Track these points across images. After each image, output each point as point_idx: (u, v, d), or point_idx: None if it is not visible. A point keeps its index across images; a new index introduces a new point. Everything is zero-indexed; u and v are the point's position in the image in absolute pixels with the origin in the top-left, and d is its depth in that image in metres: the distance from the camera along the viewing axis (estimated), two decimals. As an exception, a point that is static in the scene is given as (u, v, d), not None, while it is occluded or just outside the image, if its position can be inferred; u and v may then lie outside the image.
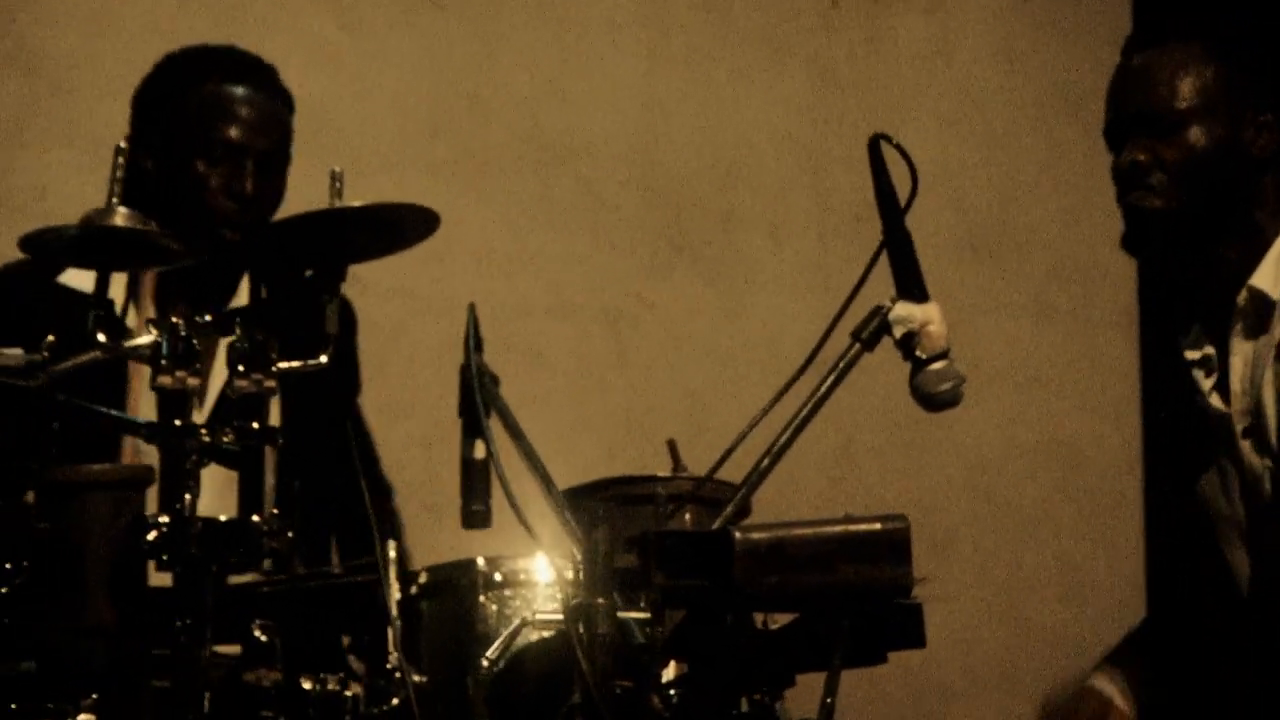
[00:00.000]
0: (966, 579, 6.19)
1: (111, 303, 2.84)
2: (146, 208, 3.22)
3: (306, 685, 2.94)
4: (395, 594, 2.97)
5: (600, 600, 2.45)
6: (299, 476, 3.51)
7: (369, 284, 5.26)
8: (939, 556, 6.25)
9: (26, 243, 3.71)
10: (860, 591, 2.49)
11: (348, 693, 2.98)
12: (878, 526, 2.51)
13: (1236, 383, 3.49)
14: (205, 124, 3.83)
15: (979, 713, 5.93)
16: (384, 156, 5.90)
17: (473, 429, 3.01)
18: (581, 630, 2.44)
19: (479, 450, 3.04)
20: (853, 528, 2.50)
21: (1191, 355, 3.55)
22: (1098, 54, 6.44)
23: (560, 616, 2.49)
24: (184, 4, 5.88)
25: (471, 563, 3.01)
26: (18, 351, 2.63)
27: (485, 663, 2.72)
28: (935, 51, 6.54)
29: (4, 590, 2.59)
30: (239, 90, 3.89)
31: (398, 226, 3.14)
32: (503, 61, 6.16)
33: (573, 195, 6.18)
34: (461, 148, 6.06)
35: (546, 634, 2.68)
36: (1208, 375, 3.54)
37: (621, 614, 2.50)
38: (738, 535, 2.45)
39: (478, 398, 3.00)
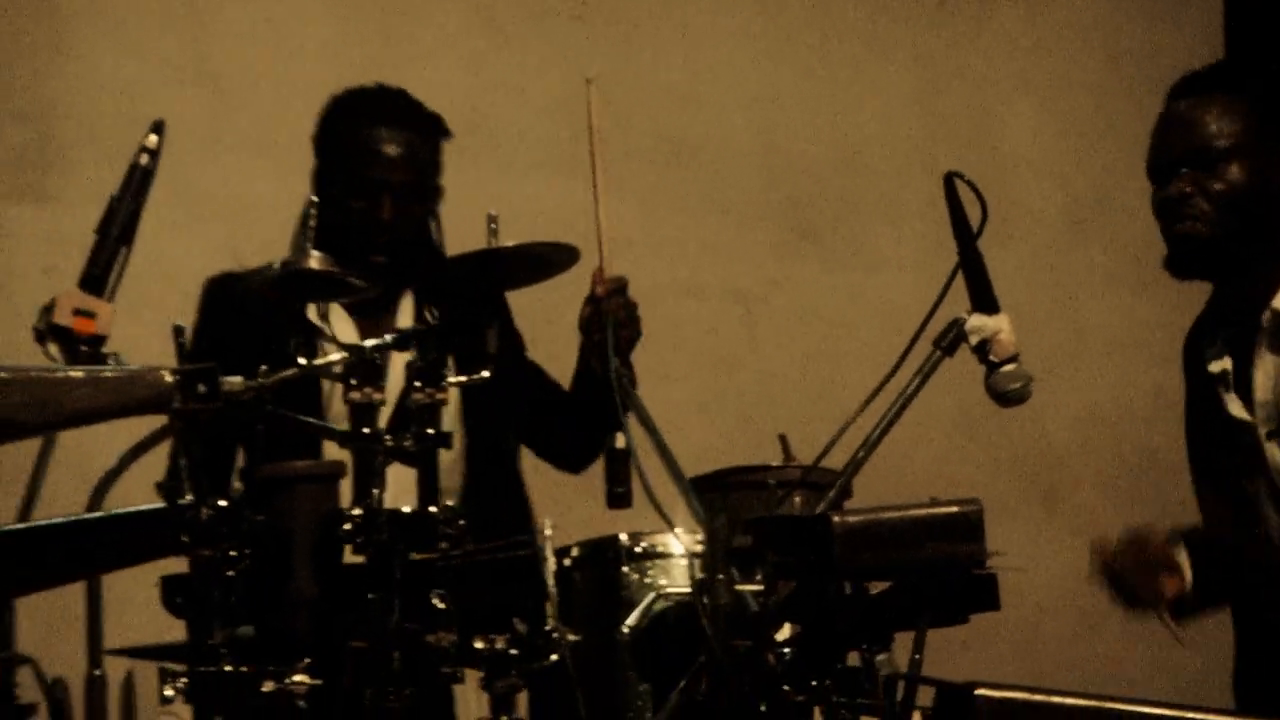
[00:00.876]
0: (1078, 528, 6.51)
1: (311, 327, 3.31)
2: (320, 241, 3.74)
3: (478, 645, 3.27)
4: (552, 566, 3.35)
5: (720, 576, 2.88)
6: (473, 466, 3.95)
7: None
8: (1051, 510, 6.58)
9: (216, 286, 4.23)
10: (940, 564, 2.91)
11: (513, 651, 3.32)
12: (955, 509, 2.91)
13: (1260, 392, 3.76)
14: (352, 165, 4.21)
15: (1092, 663, 6.17)
16: (532, 157, 6.27)
17: (614, 423, 3.43)
18: (705, 601, 2.88)
19: (619, 441, 3.47)
20: (933, 510, 2.90)
21: (1214, 368, 3.81)
22: (1190, 40, 6.71)
23: (688, 590, 2.94)
24: (356, 25, 6.27)
25: (615, 538, 3.42)
26: (239, 379, 3.05)
27: (625, 629, 3.14)
28: (1035, 43, 6.80)
29: (230, 572, 3.04)
30: (381, 131, 4.24)
31: (544, 260, 3.53)
32: (637, 67, 6.47)
33: (703, 186, 6.51)
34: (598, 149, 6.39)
35: (680, 601, 3.12)
36: (1227, 389, 3.80)
37: (738, 587, 2.93)
38: (835, 519, 2.87)
39: (616, 398, 3.38)
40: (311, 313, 3.93)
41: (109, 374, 3.02)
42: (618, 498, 3.46)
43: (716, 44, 6.62)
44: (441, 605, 3.25)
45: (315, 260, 3.19)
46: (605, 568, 3.46)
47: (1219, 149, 3.70)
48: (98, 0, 6.03)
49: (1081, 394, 6.25)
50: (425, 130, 4.32)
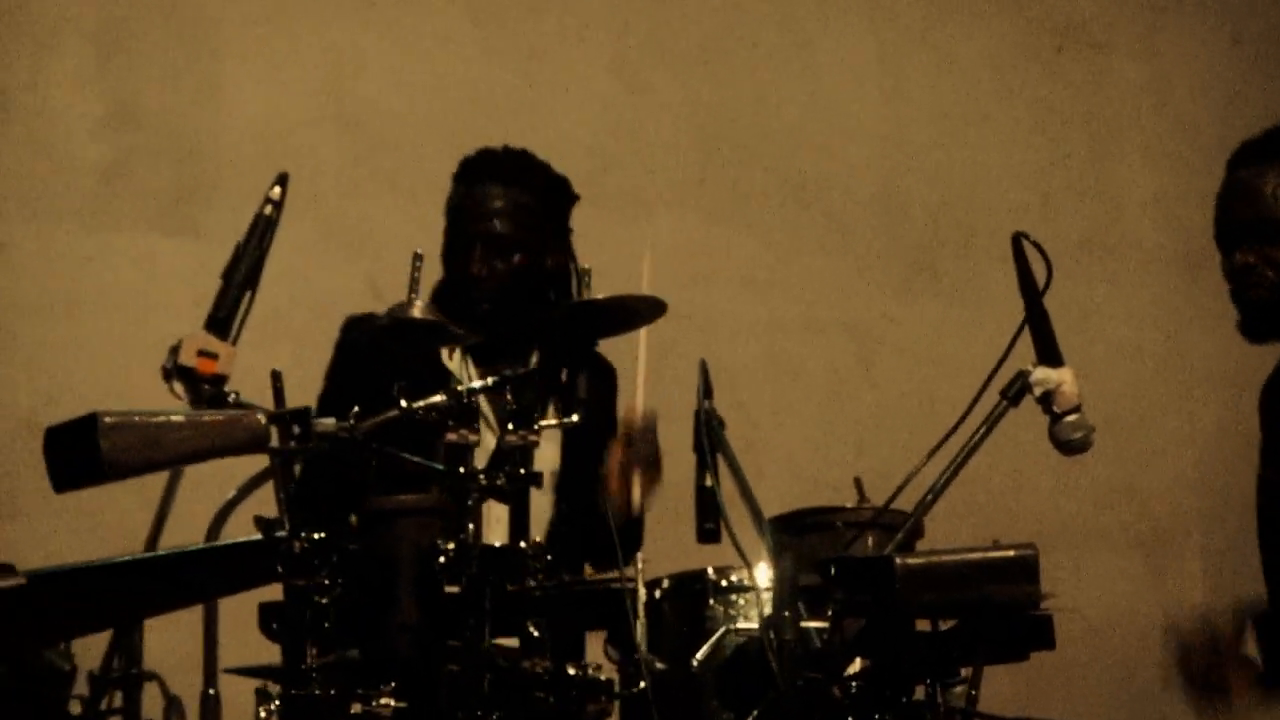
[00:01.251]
0: (1194, 567, 6.59)
1: (416, 370, 3.54)
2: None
3: (571, 670, 3.44)
4: (643, 597, 3.52)
5: (786, 613, 3.07)
6: (566, 502, 4.17)
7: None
8: (1165, 548, 6.70)
9: (351, 326, 4.47)
10: (997, 605, 3.11)
11: (604, 677, 3.51)
12: (1011, 553, 3.11)
13: None
14: (451, 218, 4.47)
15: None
16: (661, 196, 6.53)
17: (703, 463, 3.60)
18: (772, 636, 3.07)
19: (708, 480, 3.66)
20: (990, 554, 3.11)
21: None
22: None
23: (755, 626, 3.14)
24: (491, 70, 6.52)
25: (703, 572, 3.59)
26: (330, 421, 3.29)
27: (695, 662, 3.33)
28: (1152, 91, 6.97)
29: (331, 596, 3.26)
30: (481, 188, 4.48)
31: (634, 311, 3.72)
32: (761, 110, 6.71)
33: (824, 224, 6.73)
34: (728, 187, 6.65)
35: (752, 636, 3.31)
36: None
37: (804, 624, 3.12)
38: (898, 561, 3.08)
39: (704, 439, 3.57)
40: (444, 356, 4.18)
41: (208, 418, 3.25)
42: (707, 533, 3.60)
43: (838, 86, 6.84)
44: (536, 632, 3.41)
45: (418, 310, 3.43)
46: (692, 600, 3.61)
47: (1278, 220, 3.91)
48: (247, 46, 6.31)
49: (1192, 433, 6.35)
50: (531, 187, 4.52)
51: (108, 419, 3.13)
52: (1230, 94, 7.01)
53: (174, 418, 3.22)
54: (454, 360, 4.29)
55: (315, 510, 3.34)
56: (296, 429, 3.20)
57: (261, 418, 3.24)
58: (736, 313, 6.70)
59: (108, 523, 5.45)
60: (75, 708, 3.60)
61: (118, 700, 3.68)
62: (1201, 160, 6.72)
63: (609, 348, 4.48)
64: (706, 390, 3.70)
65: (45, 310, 6.06)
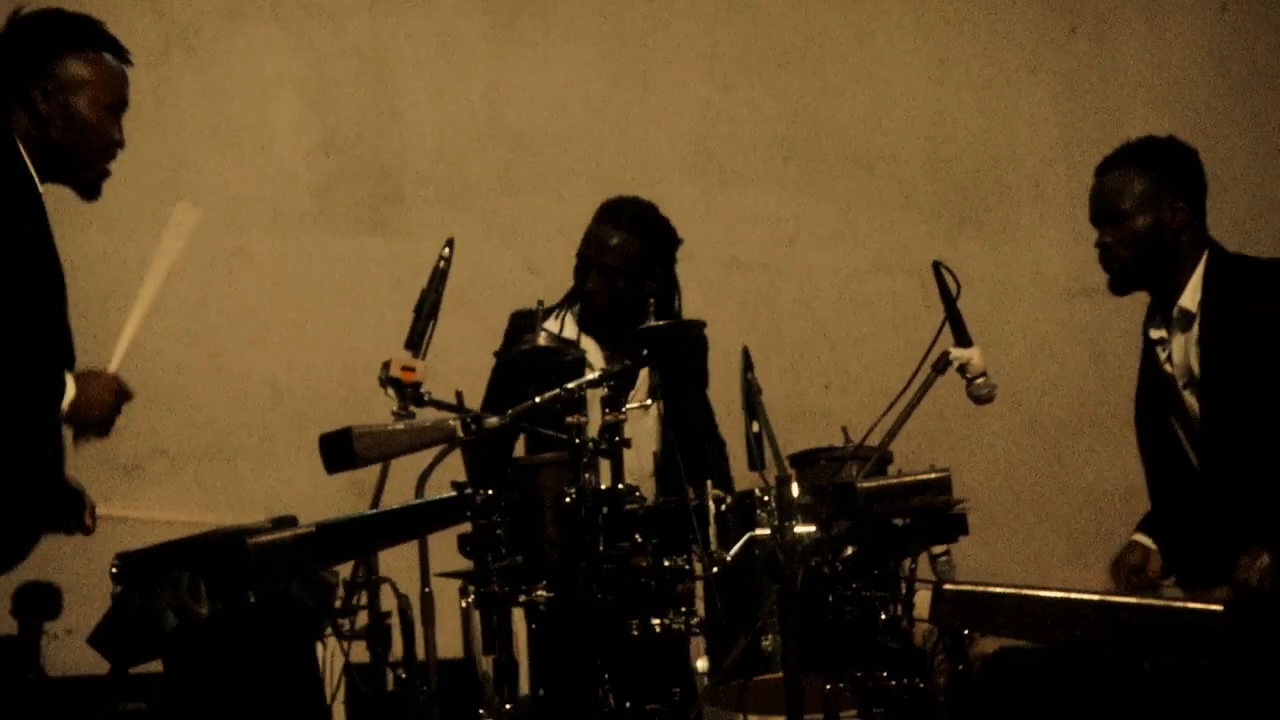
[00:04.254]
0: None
1: (552, 372, 4.68)
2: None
3: (665, 563, 4.43)
4: (712, 510, 4.44)
5: (789, 523, 4.23)
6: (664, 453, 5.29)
7: (745, 263, 6.78)
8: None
9: (516, 318, 5.44)
10: (927, 508, 4.28)
11: (687, 567, 4.45)
12: (933, 475, 4.26)
13: (1178, 356, 4.86)
14: (586, 251, 5.41)
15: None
16: (752, 174, 7.30)
17: (750, 416, 4.56)
18: (779, 538, 4.19)
19: (755, 427, 4.55)
20: (921, 476, 4.27)
21: (1154, 334, 4.94)
22: None
23: (769, 531, 4.31)
24: (614, 83, 7.28)
25: (751, 492, 4.53)
26: (494, 419, 4.44)
27: (727, 558, 4.34)
28: (1153, 57, 7.66)
29: (501, 526, 4.40)
30: (601, 227, 5.42)
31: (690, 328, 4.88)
32: (833, 98, 7.49)
33: (885, 186, 7.51)
34: (805, 162, 7.43)
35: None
36: (1163, 350, 4.89)
37: (798, 529, 4.23)
38: (859, 485, 4.24)
39: (750, 401, 4.56)
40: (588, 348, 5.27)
41: (417, 425, 4.48)
42: (755, 465, 4.55)
43: (892, 74, 7.58)
44: (639, 537, 4.43)
45: (543, 339, 4.70)
46: (746, 512, 4.50)
47: (1124, 209, 4.91)
48: (421, 83, 7.15)
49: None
50: (640, 233, 5.40)
51: (357, 430, 4.38)
52: (1220, 55, 7.61)
53: (397, 426, 4.45)
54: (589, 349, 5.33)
55: (485, 472, 4.54)
56: (474, 427, 4.43)
57: (452, 422, 4.45)
58: (817, 263, 7.45)
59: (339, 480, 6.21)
60: (337, 604, 4.71)
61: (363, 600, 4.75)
62: (1197, 115, 7.52)
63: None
64: (748, 366, 4.66)
65: (278, 299, 6.91)
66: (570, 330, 5.54)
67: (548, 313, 5.51)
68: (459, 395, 4.64)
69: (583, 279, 5.48)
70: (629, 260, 5.44)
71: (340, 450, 4.42)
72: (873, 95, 7.50)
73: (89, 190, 4.39)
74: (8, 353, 4.06)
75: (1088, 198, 5.05)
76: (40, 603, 5.21)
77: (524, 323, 5.42)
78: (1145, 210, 4.94)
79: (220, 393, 6.67)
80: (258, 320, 6.82)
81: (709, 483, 4.63)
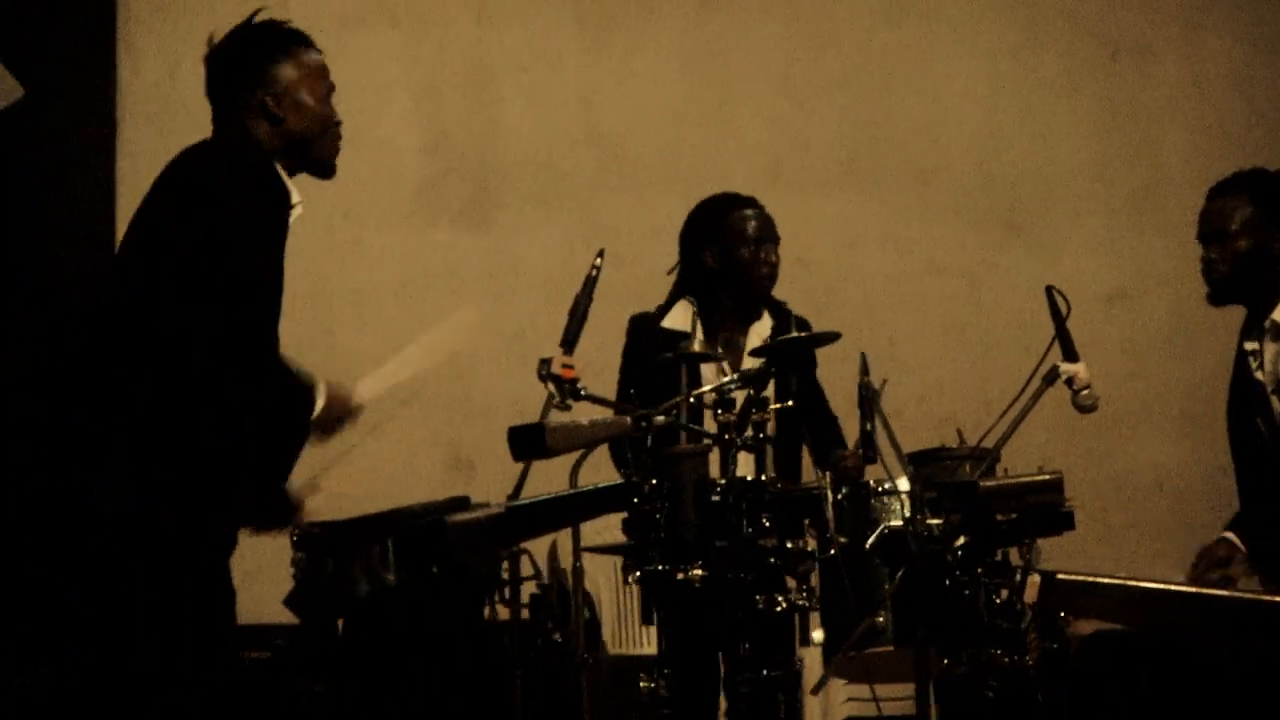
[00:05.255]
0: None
1: (684, 375, 5.12)
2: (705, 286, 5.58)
3: (788, 544, 4.68)
4: (831, 499, 4.75)
5: (919, 515, 4.67)
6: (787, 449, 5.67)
7: (810, 264, 7.09)
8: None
9: (635, 321, 5.82)
10: (1039, 505, 4.65)
11: (808, 549, 4.75)
12: (1047, 476, 4.66)
13: (1268, 365, 5.09)
14: (752, 234, 5.74)
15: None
16: (820, 184, 7.62)
17: (865, 414, 5.01)
18: (911, 529, 4.65)
19: (868, 426, 4.99)
20: (1035, 477, 4.65)
21: (1247, 346, 5.17)
22: None
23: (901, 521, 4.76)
24: (694, 95, 7.54)
25: (868, 483, 4.91)
26: (661, 417, 4.78)
27: (868, 544, 4.67)
28: (1189, 85, 7.93)
29: (660, 511, 4.70)
30: (752, 213, 5.76)
31: (817, 340, 5.28)
32: (891, 114, 7.78)
33: (940, 197, 7.80)
34: (868, 174, 7.72)
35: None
36: (1255, 360, 5.10)
37: (929, 520, 4.65)
38: (980, 484, 4.64)
39: (866, 402, 5.00)
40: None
41: (599, 421, 4.85)
42: (867, 459, 5.03)
43: (949, 95, 7.88)
44: (767, 523, 4.69)
45: (698, 345, 5.20)
46: (862, 501, 4.85)
47: (1230, 231, 5.19)
48: (519, 90, 7.46)
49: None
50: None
51: (549, 425, 4.70)
52: (1251, 88, 7.89)
53: (581, 421, 4.79)
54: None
55: (643, 463, 4.85)
56: (644, 423, 4.80)
57: (628, 420, 4.81)
58: (878, 266, 7.78)
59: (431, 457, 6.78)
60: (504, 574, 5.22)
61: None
62: (1227, 139, 7.81)
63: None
64: (865, 369, 5.07)
65: (387, 287, 7.20)
66: (684, 320, 5.84)
67: (661, 314, 5.89)
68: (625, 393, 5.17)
69: (727, 280, 5.82)
70: (775, 233, 5.91)
71: (532, 442, 4.70)
72: (929, 114, 7.82)
73: (327, 170, 4.61)
74: (276, 364, 4.36)
75: (1197, 216, 5.32)
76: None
77: (646, 323, 5.92)
78: (1248, 234, 5.20)
79: (331, 370, 6.63)
80: (367, 305, 7.07)
81: (828, 475, 5.00)
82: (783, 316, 5.84)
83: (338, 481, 5.13)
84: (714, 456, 4.98)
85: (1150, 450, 7.64)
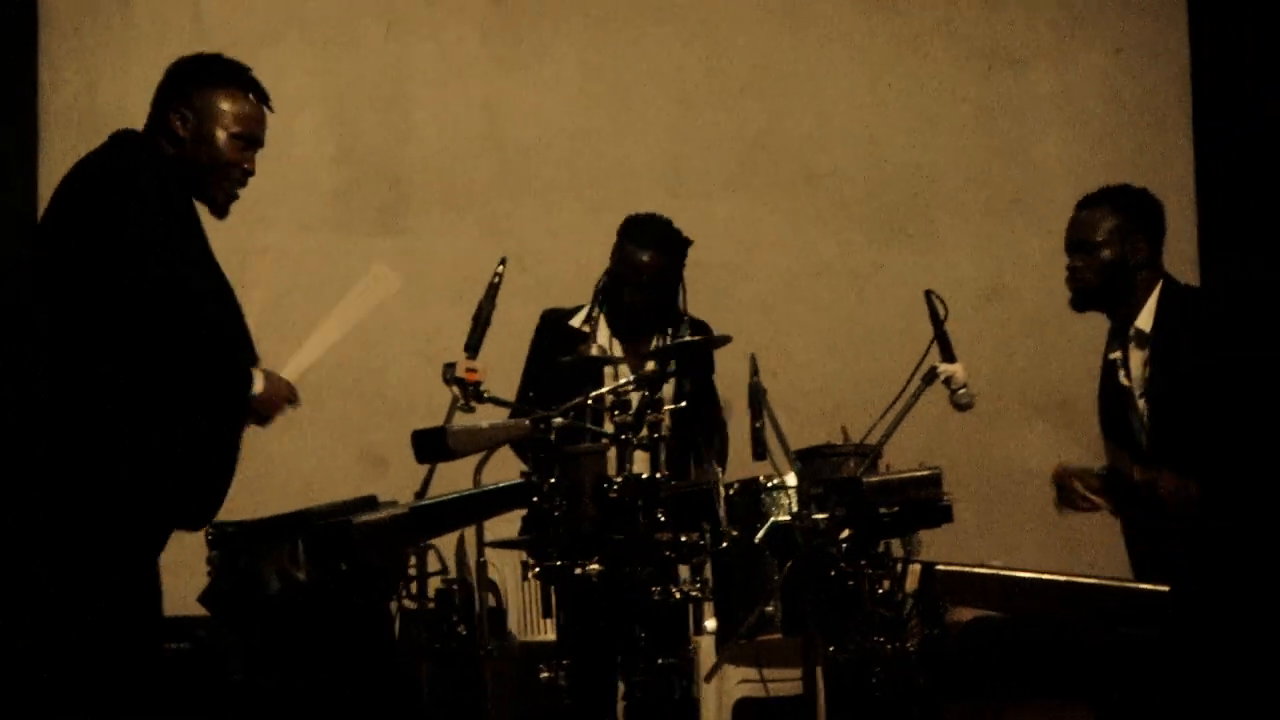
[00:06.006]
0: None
1: (597, 376, 5.30)
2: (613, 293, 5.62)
3: (683, 538, 4.81)
4: (723, 494, 4.84)
5: (804, 510, 4.84)
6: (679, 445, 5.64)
7: (708, 266, 6.94)
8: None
9: (547, 316, 5.92)
10: (920, 499, 4.90)
11: (701, 541, 4.83)
12: (926, 472, 4.93)
13: (1135, 370, 5.25)
14: (619, 270, 5.80)
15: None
16: (716, 188, 7.74)
17: (755, 413, 5.09)
18: (797, 522, 4.82)
19: (759, 423, 5.07)
20: (915, 473, 4.93)
21: (1113, 356, 5.34)
22: (1167, 85, 7.97)
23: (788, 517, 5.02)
24: (596, 110, 7.55)
25: (757, 479, 4.87)
26: (560, 419, 4.94)
27: (756, 538, 4.81)
28: (1059, 91, 8.12)
29: (557, 508, 4.86)
30: (634, 249, 5.77)
31: (712, 344, 5.49)
32: (782, 124, 7.91)
33: (828, 200, 7.94)
34: (761, 179, 7.87)
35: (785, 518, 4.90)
36: (1121, 367, 5.27)
37: (815, 515, 4.81)
38: (864, 480, 4.88)
39: (755, 400, 5.10)
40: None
41: (499, 424, 5.02)
42: (758, 456, 4.94)
43: (836, 104, 7.99)
44: (662, 517, 4.84)
45: (594, 349, 5.48)
46: (752, 495, 4.90)
47: (1095, 241, 5.31)
48: (429, 101, 7.51)
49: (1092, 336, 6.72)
50: (667, 249, 5.82)
51: (451, 429, 4.85)
52: (1117, 94, 8.09)
53: (482, 424, 4.90)
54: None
55: (541, 462, 4.96)
56: (542, 425, 4.87)
57: (526, 423, 4.92)
58: (770, 265, 7.86)
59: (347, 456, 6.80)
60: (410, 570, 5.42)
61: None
62: (1095, 139, 8.02)
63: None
64: (755, 370, 5.18)
65: (300, 293, 6.58)
66: (602, 331, 5.95)
67: (573, 312, 6.01)
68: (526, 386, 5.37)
69: (618, 293, 5.88)
70: (661, 275, 5.88)
71: (434, 444, 4.84)
72: (817, 120, 7.94)
73: (215, 208, 4.65)
74: (210, 347, 4.44)
75: (1067, 227, 5.46)
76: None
77: (555, 320, 6.03)
78: (1112, 245, 5.33)
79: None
80: (283, 309, 6.42)
81: (720, 470, 5.18)
82: (677, 321, 5.95)
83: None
84: (612, 455, 5.10)
85: (1027, 441, 7.75)
